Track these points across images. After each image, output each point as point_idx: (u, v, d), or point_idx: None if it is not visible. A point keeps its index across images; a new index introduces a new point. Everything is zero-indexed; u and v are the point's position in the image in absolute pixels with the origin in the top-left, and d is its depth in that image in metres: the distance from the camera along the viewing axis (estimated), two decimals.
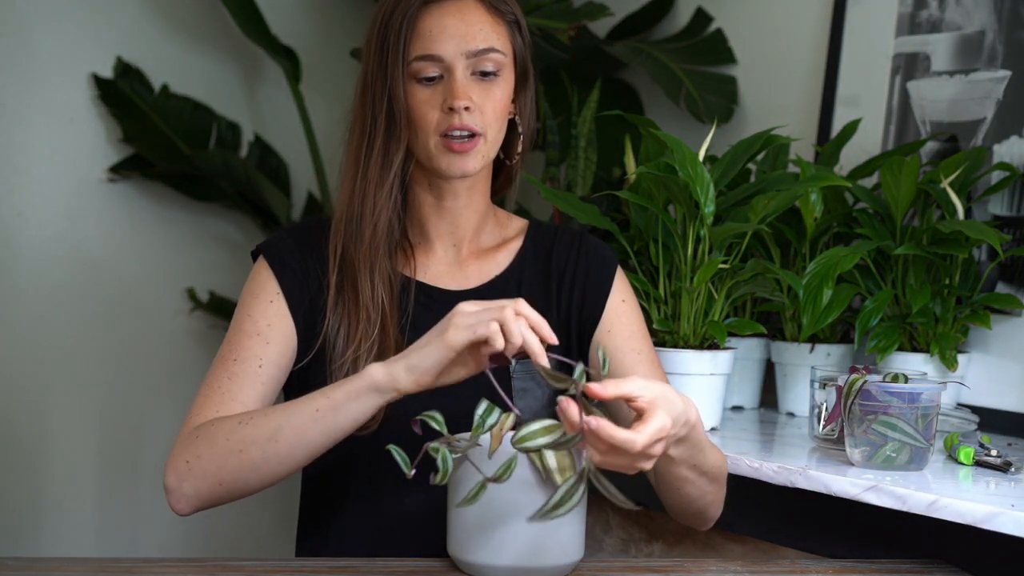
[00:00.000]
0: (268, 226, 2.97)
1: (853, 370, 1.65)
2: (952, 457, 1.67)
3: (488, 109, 1.52)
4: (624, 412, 1.51)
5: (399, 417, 1.49)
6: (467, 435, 1.29)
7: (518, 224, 1.67)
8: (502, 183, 1.65)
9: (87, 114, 2.87)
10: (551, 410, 1.46)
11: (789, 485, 1.61)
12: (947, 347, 1.93)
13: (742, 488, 1.66)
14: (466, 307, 1.31)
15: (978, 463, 1.63)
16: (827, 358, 2.04)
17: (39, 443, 2.85)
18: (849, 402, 1.57)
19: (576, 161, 2.47)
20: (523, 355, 1.43)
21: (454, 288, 1.59)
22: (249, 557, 1.47)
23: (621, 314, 1.61)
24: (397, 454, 1.26)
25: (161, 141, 2.87)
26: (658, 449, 1.27)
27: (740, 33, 2.61)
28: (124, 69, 2.87)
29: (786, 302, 1.98)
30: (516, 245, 1.63)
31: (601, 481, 1.22)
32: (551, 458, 1.26)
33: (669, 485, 1.47)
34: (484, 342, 1.31)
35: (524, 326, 1.30)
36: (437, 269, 1.59)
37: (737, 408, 2.15)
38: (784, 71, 2.52)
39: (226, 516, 3.07)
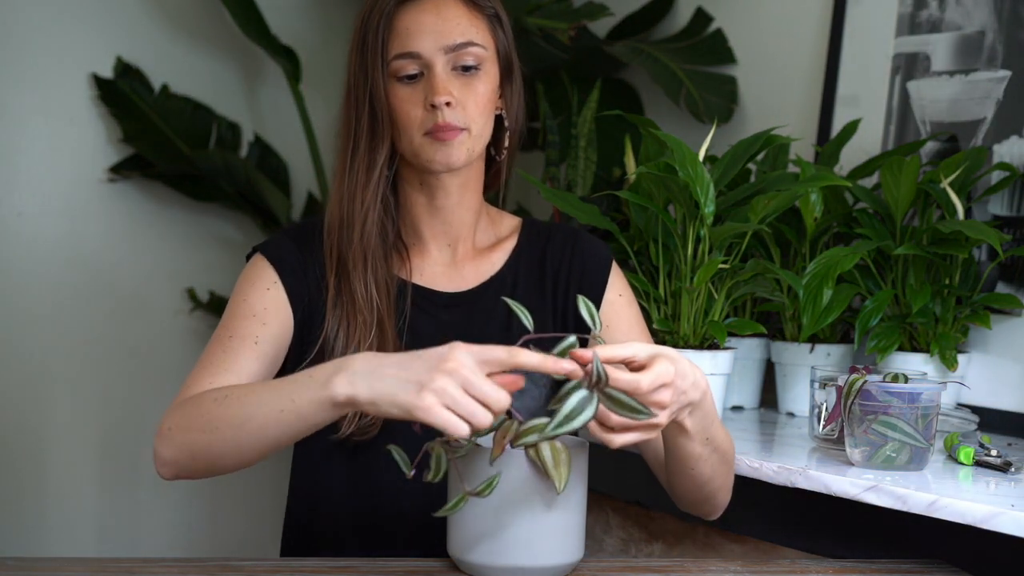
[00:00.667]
0: (268, 226, 2.97)
1: (853, 370, 1.64)
2: (952, 457, 1.67)
3: (471, 104, 1.52)
4: None
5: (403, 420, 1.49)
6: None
7: (512, 222, 1.67)
8: (491, 179, 1.65)
9: (87, 114, 2.87)
10: (548, 408, 1.47)
11: (789, 485, 1.61)
12: (947, 347, 1.93)
13: (742, 488, 1.66)
14: (457, 375, 1.20)
15: (978, 463, 1.63)
16: (827, 358, 2.04)
17: (39, 443, 2.85)
18: (849, 402, 1.56)
19: (576, 161, 2.47)
20: None
21: (450, 290, 1.59)
22: (249, 557, 1.47)
23: (619, 309, 1.62)
24: (397, 454, 1.26)
25: (161, 141, 2.87)
26: (666, 396, 1.27)
27: (740, 33, 2.61)
28: (124, 69, 2.87)
29: (786, 302, 1.98)
30: (511, 244, 1.63)
31: (610, 395, 1.21)
32: (547, 451, 1.27)
33: (683, 464, 1.45)
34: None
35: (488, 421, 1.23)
36: (433, 271, 1.59)
37: (737, 408, 2.15)
38: (784, 71, 2.52)
39: (226, 516, 3.07)
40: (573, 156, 2.47)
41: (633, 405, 1.23)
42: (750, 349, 2.13)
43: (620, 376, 1.24)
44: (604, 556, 2.04)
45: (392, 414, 1.23)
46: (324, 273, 1.55)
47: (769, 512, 1.74)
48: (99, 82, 2.85)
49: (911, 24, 2.23)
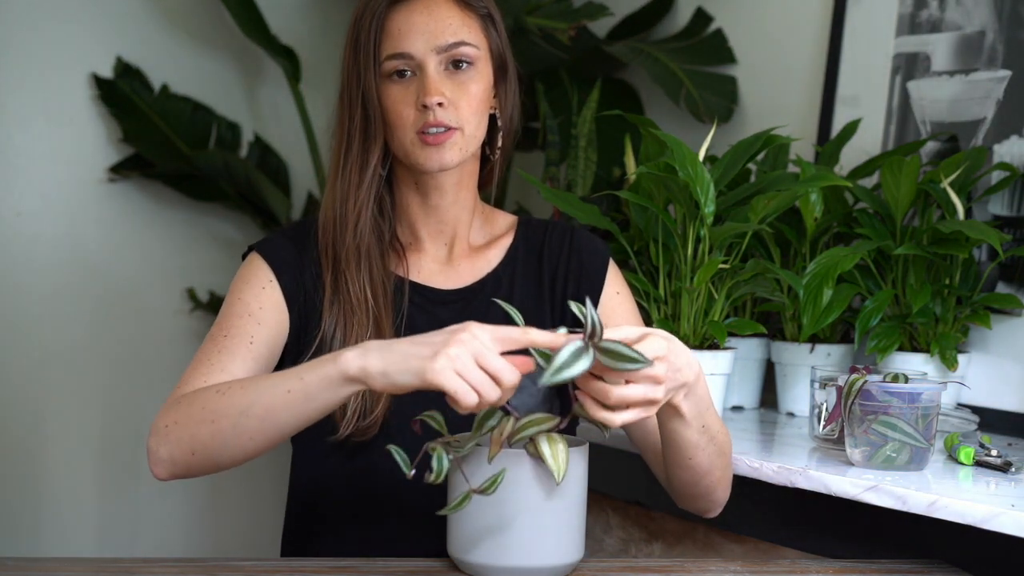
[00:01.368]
0: (268, 226, 2.97)
1: (853, 370, 1.64)
2: (952, 457, 1.67)
3: (463, 103, 1.52)
4: None
5: (398, 417, 1.50)
6: (467, 435, 1.30)
7: (507, 220, 1.67)
8: (484, 178, 1.65)
9: (87, 114, 2.87)
10: (547, 406, 1.47)
11: (789, 485, 1.61)
12: (947, 347, 1.93)
13: (742, 488, 1.66)
14: (470, 345, 1.23)
15: (978, 463, 1.63)
16: (827, 358, 2.04)
17: (39, 443, 2.85)
18: (849, 402, 1.56)
19: (576, 161, 2.47)
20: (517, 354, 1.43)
21: (447, 287, 1.59)
22: (249, 557, 1.47)
23: (616, 306, 1.62)
24: (397, 454, 1.26)
25: (161, 141, 2.87)
26: (660, 369, 1.27)
27: (740, 33, 2.61)
28: (124, 69, 2.87)
29: (786, 302, 1.98)
30: (507, 242, 1.63)
31: (604, 347, 1.22)
32: (545, 444, 1.27)
33: (680, 454, 1.45)
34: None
35: (501, 400, 1.25)
36: (429, 268, 1.60)
37: (737, 408, 2.15)
38: (784, 71, 2.52)
39: (226, 516, 3.07)
40: (573, 156, 2.47)
41: (628, 355, 1.22)
42: (750, 349, 2.13)
43: (613, 335, 1.25)
44: (604, 556, 2.04)
45: (403, 382, 1.24)
46: (320, 272, 1.55)
47: (769, 512, 1.74)
48: (99, 82, 2.85)
49: (911, 24, 2.23)
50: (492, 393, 1.22)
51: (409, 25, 1.51)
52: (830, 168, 2.09)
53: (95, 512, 2.92)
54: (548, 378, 1.20)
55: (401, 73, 1.52)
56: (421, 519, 1.51)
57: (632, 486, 1.97)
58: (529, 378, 1.56)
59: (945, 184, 1.94)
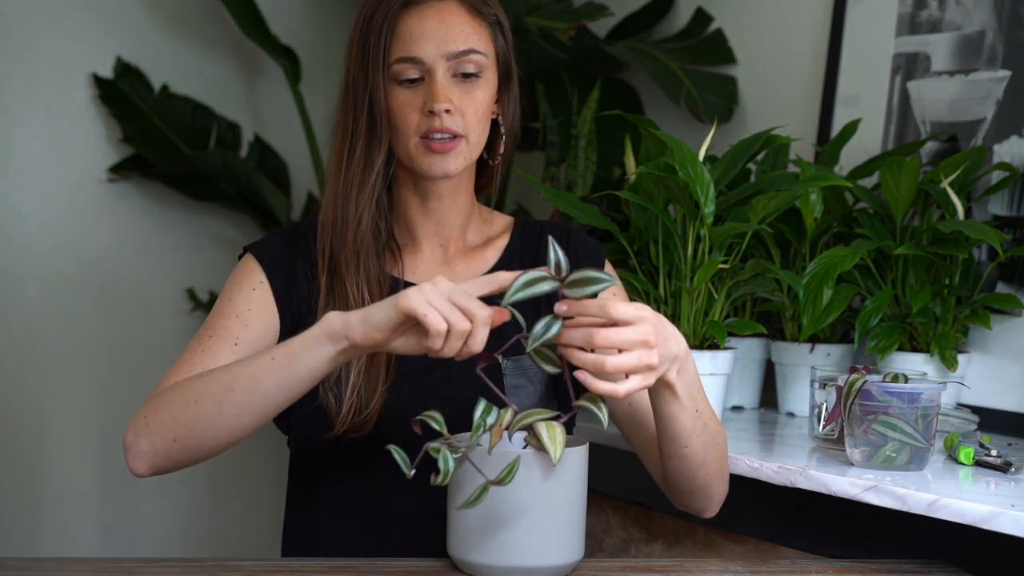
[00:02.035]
0: (268, 226, 2.97)
1: (853, 370, 1.64)
2: (952, 457, 1.67)
3: (469, 111, 1.52)
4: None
5: (394, 414, 1.49)
6: (467, 435, 1.29)
7: (504, 221, 1.67)
8: (484, 182, 1.65)
9: (87, 114, 2.87)
10: (543, 405, 1.47)
11: (789, 485, 1.61)
12: (947, 347, 1.93)
13: (742, 488, 1.66)
14: (442, 286, 1.28)
15: (978, 463, 1.63)
16: (827, 358, 2.04)
17: (39, 443, 2.85)
18: (849, 402, 1.56)
19: (576, 161, 2.47)
20: (514, 353, 1.43)
21: None
22: (249, 557, 1.47)
23: None
24: (397, 454, 1.26)
25: (161, 141, 2.87)
26: (650, 334, 1.30)
27: (740, 33, 2.61)
28: (124, 69, 2.87)
29: (786, 302, 1.98)
30: (503, 242, 1.63)
31: (570, 280, 1.27)
32: (543, 429, 1.28)
33: (676, 442, 1.45)
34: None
35: (476, 340, 1.28)
36: (425, 269, 1.60)
37: (737, 408, 2.15)
38: (784, 71, 2.52)
39: (226, 516, 3.07)
40: (573, 156, 2.47)
41: (593, 276, 1.27)
42: (750, 349, 2.13)
43: (589, 304, 1.29)
44: (604, 556, 2.04)
45: (380, 319, 1.28)
46: (316, 273, 1.55)
47: (769, 512, 1.74)
48: (99, 82, 2.84)
49: (911, 24, 2.23)
50: (461, 322, 1.26)
51: (421, 30, 1.51)
52: (830, 168, 2.09)
53: (95, 512, 2.92)
54: (508, 297, 1.26)
55: (410, 78, 1.51)
56: (419, 518, 1.51)
57: (632, 486, 1.97)
58: (526, 378, 1.56)
59: (945, 184, 1.94)
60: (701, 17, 2.68)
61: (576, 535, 1.33)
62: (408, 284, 1.58)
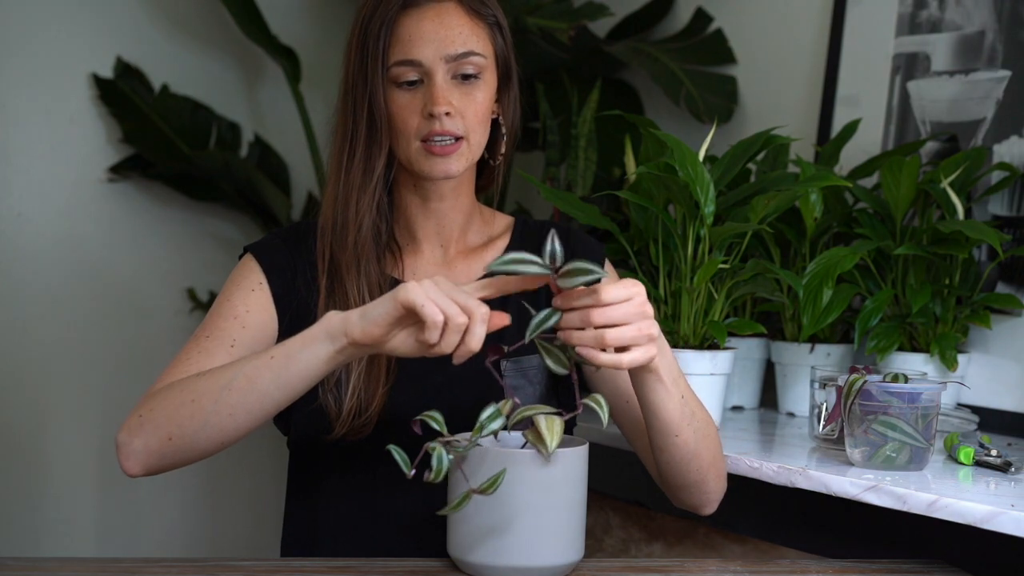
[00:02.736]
0: (268, 226, 2.97)
1: (853, 370, 1.64)
2: (952, 457, 1.67)
3: (470, 113, 1.51)
4: (621, 381, 1.52)
5: (393, 416, 1.49)
6: (467, 435, 1.30)
7: (504, 221, 1.67)
8: (485, 182, 1.65)
9: (87, 114, 2.87)
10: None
11: (789, 485, 1.61)
12: (947, 347, 1.93)
13: (742, 488, 1.66)
14: (442, 283, 1.28)
15: (978, 463, 1.63)
16: (827, 358, 2.04)
17: (39, 443, 2.85)
18: (849, 402, 1.56)
19: (576, 161, 2.47)
20: (514, 354, 1.44)
21: None
22: (249, 557, 1.47)
23: None
24: (397, 454, 1.26)
25: (161, 141, 2.87)
26: (643, 303, 1.32)
27: (740, 33, 2.61)
28: (124, 69, 2.87)
29: (786, 302, 1.98)
30: (503, 243, 1.63)
31: (565, 270, 1.28)
32: (541, 420, 1.28)
33: (666, 432, 1.45)
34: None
35: (474, 337, 1.28)
36: (425, 270, 1.59)
37: (737, 408, 2.15)
38: (784, 71, 2.52)
39: (226, 516, 3.07)
40: (573, 156, 2.47)
41: (584, 267, 1.28)
42: (750, 349, 2.13)
43: (581, 290, 1.31)
44: (604, 556, 2.04)
45: (379, 313, 1.28)
46: (316, 275, 1.55)
47: (769, 512, 1.74)
48: (99, 82, 2.85)
49: (911, 24, 2.23)
50: (459, 317, 1.26)
51: (419, 32, 1.51)
52: (830, 168, 2.09)
53: (95, 512, 2.92)
54: (492, 266, 1.27)
55: (409, 80, 1.51)
56: (419, 519, 1.51)
57: (632, 486, 1.97)
58: (526, 379, 1.56)
59: (945, 184, 1.94)
60: (701, 17, 2.68)
61: (576, 535, 1.33)
62: None
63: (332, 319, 1.32)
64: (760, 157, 2.14)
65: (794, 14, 2.50)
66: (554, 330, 1.32)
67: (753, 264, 1.87)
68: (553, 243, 1.28)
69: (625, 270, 1.96)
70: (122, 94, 2.85)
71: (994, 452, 1.64)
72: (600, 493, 2.02)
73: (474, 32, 1.53)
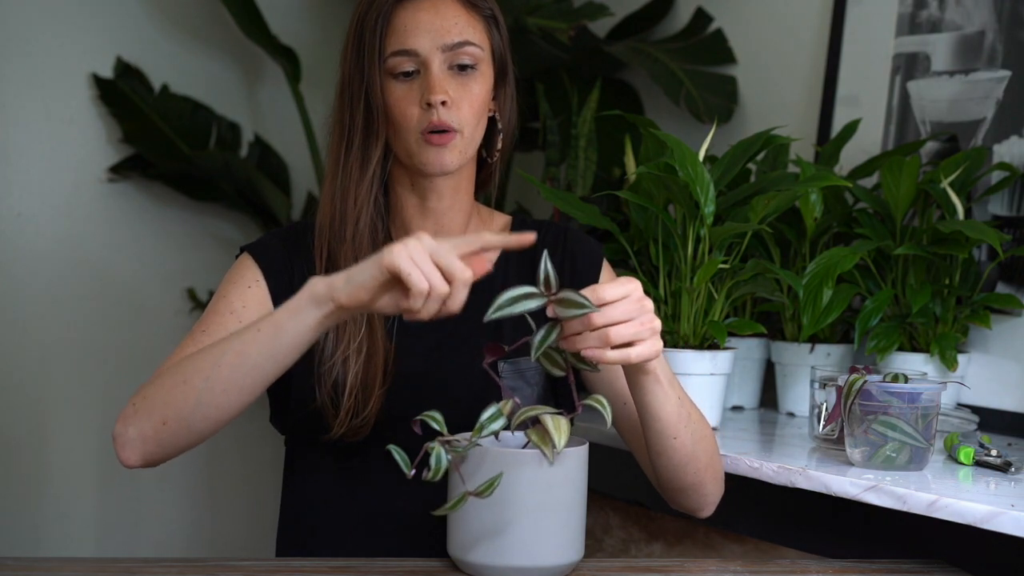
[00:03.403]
0: (268, 226, 2.97)
1: (853, 370, 1.64)
2: (952, 457, 1.67)
3: (465, 104, 1.51)
4: (619, 383, 1.52)
5: (394, 420, 1.49)
6: (467, 435, 1.30)
7: (501, 220, 1.66)
8: (482, 180, 1.65)
9: (87, 114, 2.87)
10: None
11: (789, 485, 1.61)
12: (947, 347, 1.93)
13: (742, 488, 1.66)
14: (426, 242, 1.26)
15: (978, 463, 1.63)
16: (827, 358, 2.04)
17: (39, 443, 2.85)
18: (849, 402, 1.56)
19: (576, 161, 2.47)
20: (512, 355, 1.44)
21: None
22: (249, 557, 1.47)
23: None
24: (397, 454, 1.26)
25: (161, 141, 2.87)
26: (642, 298, 1.32)
27: (740, 33, 2.61)
28: (124, 69, 2.87)
29: (786, 302, 1.98)
30: None
31: (559, 299, 1.28)
32: (548, 418, 1.28)
33: (663, 435, 1.45)
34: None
35: (455, 302, 1.27)
36: None
37: (737, 408, 2.15)
38: (784, 71, 2.52)
39: (226, 516, 3.07)
40: (573, 156, 2.47)
41: (577, 300, 1.28)
42: (750, 349, 2.13)
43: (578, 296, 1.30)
44: (604, 556, 2.04)
45: (364, 278, 1.27)
46: (313, 273, 1.54)
47: (769, 512, 1.74)
48: (99, 82, 2.84)
49: (911, 24, 2.23)
50: (441, 285, 1.25)
51: (415, 22, 1.51)
52: (830, 168, 2.09)
53: (95, 512, 2.92)
54: (492, 312, 1.26)
55: (406, 71, 1.51)
56: (418, 519, 1.51)
57: (632, 486, 1.97)
58: (524, 381, 1.56)
59: (945, 184, 1.94)
60: (701, 17, 2.68)
61: (576, 535, 1.33)
62: None
63: (317, 285, 1.31)
64: (760, 157, 2.14)
65: (794, 14, 2.50)
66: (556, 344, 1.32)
67: (753, 264, 1.87)
68: (546, 266, 1.28)
69: (625, 270, 1.96)
70: (122, 94, 2.85)
71: (994, 452, 1.64)
72: (600, 493, 2.02)
73: (470, 23, 1.53)
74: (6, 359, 2.81)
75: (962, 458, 1.63)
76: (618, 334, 1.30)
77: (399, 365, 1.52)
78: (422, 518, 1.49)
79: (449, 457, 1.26)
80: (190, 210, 2.99)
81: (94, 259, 2.89)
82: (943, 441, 1.72)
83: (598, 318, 1.30)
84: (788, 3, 2.52)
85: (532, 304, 1.27)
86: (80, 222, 2.87)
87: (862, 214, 2.03)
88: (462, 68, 1.52)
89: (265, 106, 3.07)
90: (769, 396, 2.18)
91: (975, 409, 1.98)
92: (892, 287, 2.00)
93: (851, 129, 2.16)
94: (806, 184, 1.89)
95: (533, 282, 1.61)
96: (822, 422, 1.72)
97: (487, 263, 1.28)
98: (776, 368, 2.11)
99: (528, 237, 1.30)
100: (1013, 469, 1.59)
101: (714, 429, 1.90)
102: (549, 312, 1.29)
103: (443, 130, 1.50)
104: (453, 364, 1.54)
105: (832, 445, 1.70)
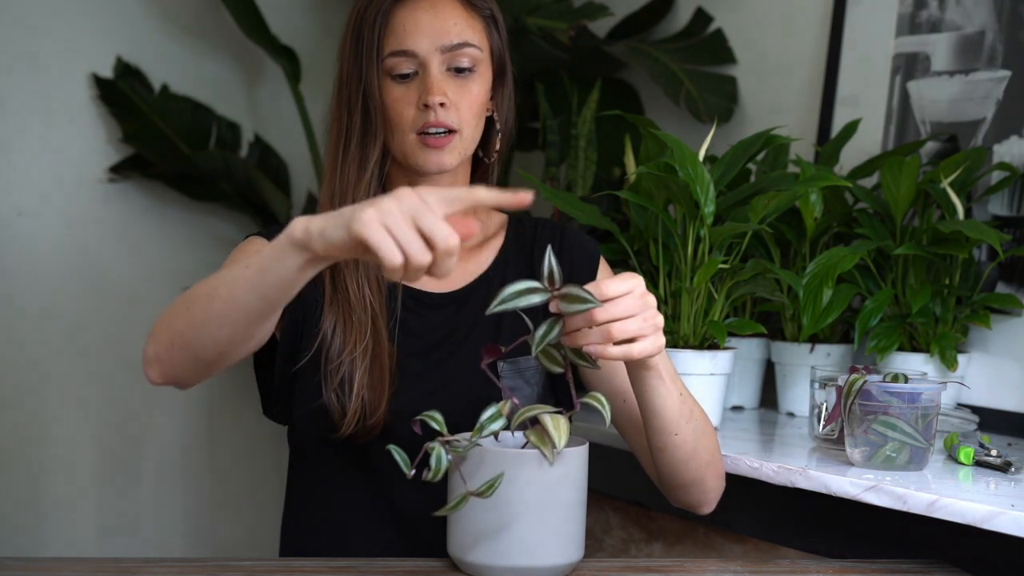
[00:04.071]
0: (268, 226, 2.96)
1: (853, 370, 1.65)
2: (952, 457, 1.67)
3: (464, 105, 1.51)
4: (618, 380, 1.52)
5: (399, 421, 1.49)
6: (468, 435, 1.30)
7: (498, 220, 1.66)
8: (478, 180, 1.64)
9: (87, 114, 2.87)
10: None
11: (789, 485, 1.61)
12: (947, 347, 1.93)
13: (742, 488, 1.66)
14: (406, 202, 1.15)
15: (978, 463, 1.63)
16: (827, 358, 2.04)
17: (39, 443, 2.85)
18: (849, 402, 1.57)
19: (576, 161, 2.47)
20: (512, 355, 1.44)
21: (439, 290, 1.58)
22: (249, 557, 1.47)
23: None
24: (397, 454, 1.26)
25: (161, 141, 2.87)
26: (644, 294, 1.32)
27: (740, 33, 2.61)
28: (124, 69, 2.87)
29: (786, 302, 1.98)
30: (498, 242, 1.63)
31: (563, 294, 1.27)
32: (547, 418, 1.28)
33: (665, 431, 1.45)
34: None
35: (441, 270, 1.18)
36: None
37: (737, 408, 2.15)
38: (784, 71, 2.52)
39: (226, 516, 3.07)
40: (573, 156, 2.47)
41: (580, 295, 1.27)
42: (750, 349, 2.13)
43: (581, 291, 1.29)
44: (604, 556, 2.04)
45: (335, 238, 1.17)
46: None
47: (769, 512, 1.74)
48: (99, 82, 2.84)
49: (911, 24, 2.23)
50: (420, 256, 1.14)
51: (414, 23, 1.51)
52: (830, 168, 2.09)
53: (95, 512, 2.92)
54: (495, 306, 1.24)
55: (404, 72, 1.51)
56: (419, 519, 1.51)
57: (632, 486, 1.97)
58: (523, 380, 1.56)
59: (945, 184, 1.95)
60: (701, 17, 2.68)
61: (576, 535, 1.33)
62: (406, 288, 1.57)
63: (296, 227, 1.22)
64: (760, 157, 2.14)
65: (794, 14, 2.50)
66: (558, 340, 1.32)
67: (753, 264, 1.87)
68: (550, 261, 1.27)
69: (625, 270, 1.96)
70: (122, 94, 2.85)
71: (994, 452, 1.64)
72: (600, 493, 2.02)
73: (470, 24, 1.53)
74: (6, 359, 2.81)
75: (962, 458, 1.63)
76: (621, 330, 1.30)
77: (401, 367, 1.52)
78: (424, 517, 1.49)
79: (449, 457, 1.26)
80: (190, 210, 2.99)
81: (94, 259, 2.89)
82: (943, 441, 1.72)
83: (601, 314, 1.29)
84: (788, 3, 2.52)
85: (535, 299, 1.26)
86: (80, 222, 2.87)
87: (862, 214, 2.03)
88: (460, 70, 1.52)
89: (265, 106, 3.07)
90: (769, 396, 2.18)
91: (975, 409, 1.98)
92: (892, 287, 2.00)
93: (851, 129, 2.16)
94: (806, 184, 1.89)
95: (531, 277, 1.61)
96: (822, 422, 1.72)
97: (475, 225, 1.18)
98: (776, 368, 2.11)
99: (525, 197, 1.19)
100: (1013, 469, 1.59)
101: (714, 429, 1.90)
102: (552, 307, 1.29)
103: (441, 131, 1.50)
104: (457, 365, 1.54)
105: (832, 445, 1.70)
